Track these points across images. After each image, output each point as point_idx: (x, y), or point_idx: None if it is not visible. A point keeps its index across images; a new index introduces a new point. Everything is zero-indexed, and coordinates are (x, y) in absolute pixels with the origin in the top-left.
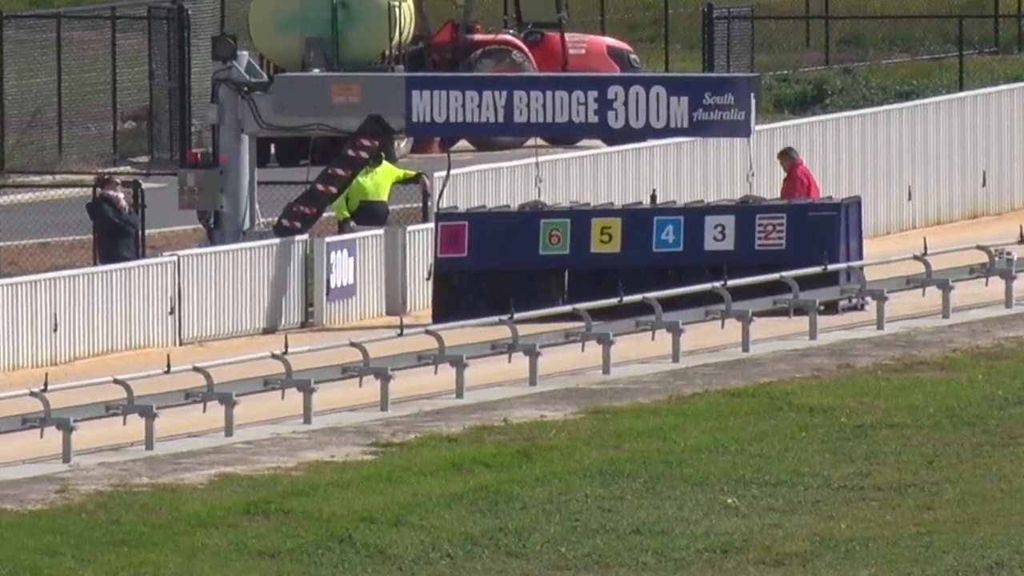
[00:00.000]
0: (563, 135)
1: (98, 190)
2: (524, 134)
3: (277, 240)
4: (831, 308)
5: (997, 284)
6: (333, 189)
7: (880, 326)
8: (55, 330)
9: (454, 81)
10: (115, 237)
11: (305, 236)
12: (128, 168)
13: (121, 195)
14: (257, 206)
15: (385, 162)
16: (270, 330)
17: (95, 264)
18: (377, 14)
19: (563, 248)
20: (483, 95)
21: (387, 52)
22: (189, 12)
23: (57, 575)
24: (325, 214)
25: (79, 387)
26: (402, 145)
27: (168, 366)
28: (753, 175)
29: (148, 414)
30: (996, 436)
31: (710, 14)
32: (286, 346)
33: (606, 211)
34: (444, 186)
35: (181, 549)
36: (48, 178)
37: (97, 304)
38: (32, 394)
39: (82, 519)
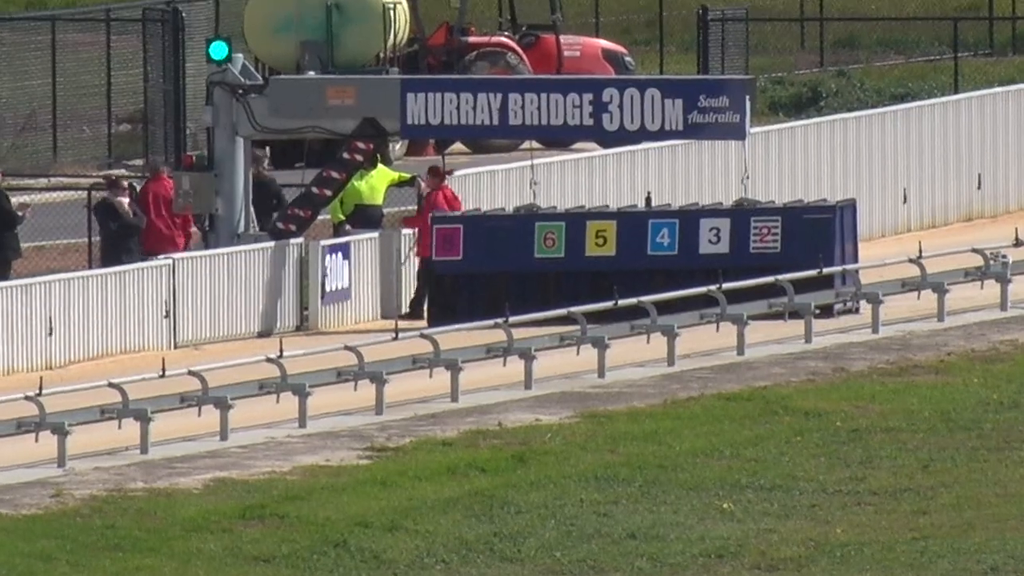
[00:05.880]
0: (558, 137)
1: (101, 194)
2: (519, 136)
3: (272, 243)
4: (826, 311)
5: (992, 287)
6: (328, 192)
7: (875, 329)
8: (50, 334)
9: (449, 83)
10: (121, 240)
11: (300, 239)
12: (124, 171)
13: (126, 200)
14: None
15: (380, 165)
16: (265, 333)
17: (91, 267)
18: (372, 16)
19: (558, 251)
20: (478, 97)
21: (382, 54)
22: (184, 15)
23: None
24: (320, 217)
25: (74, 391)
26: (397, 148)
27: (163, 370)
28: (748, 178)
29: (143, 418)
30: (991, 440)
31: (705, 16)
32: (281, 350)
33: (601, 214)
34: None
35: (176, 554)
36: (43, 181)
37: (92, 308)
38: (27, 398)
39: (77, 524)
